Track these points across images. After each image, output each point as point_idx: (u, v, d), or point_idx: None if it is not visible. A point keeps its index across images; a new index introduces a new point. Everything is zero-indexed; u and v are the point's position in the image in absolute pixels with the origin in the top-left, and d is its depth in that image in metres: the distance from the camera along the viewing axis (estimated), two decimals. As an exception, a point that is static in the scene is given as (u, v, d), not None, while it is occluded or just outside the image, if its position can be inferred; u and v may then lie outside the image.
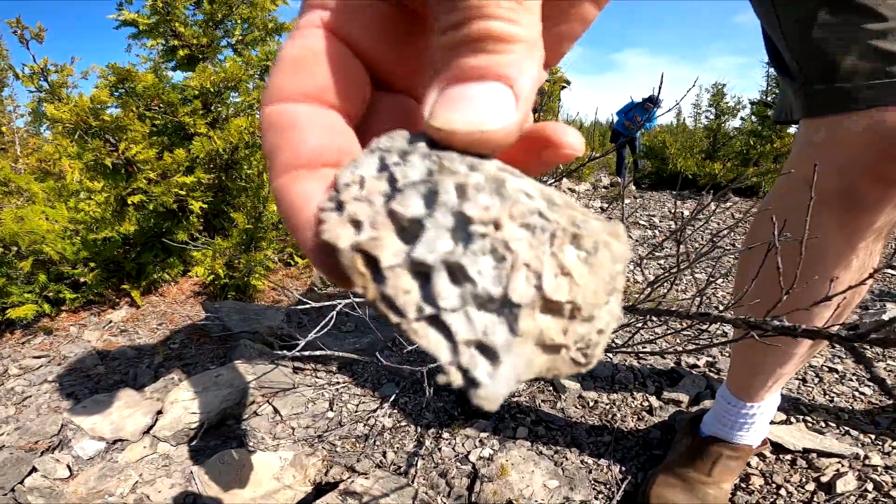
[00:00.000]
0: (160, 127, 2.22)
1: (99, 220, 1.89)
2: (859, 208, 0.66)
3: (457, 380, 0.13)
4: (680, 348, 1.10)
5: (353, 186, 0.15)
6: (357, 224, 0.14)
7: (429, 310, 0.13)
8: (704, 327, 1.62)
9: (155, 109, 2.09)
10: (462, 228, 0.13)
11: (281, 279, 2.40)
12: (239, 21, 2.64)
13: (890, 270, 2.67)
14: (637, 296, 0.82)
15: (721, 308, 1.88)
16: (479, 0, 0.15)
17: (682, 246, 0.79)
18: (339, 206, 0.15)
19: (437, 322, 0.13)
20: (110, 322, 2.03)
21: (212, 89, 2.29)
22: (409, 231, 0.14)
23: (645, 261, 2.68)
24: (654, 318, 1.34)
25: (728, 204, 4.79)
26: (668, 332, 0.95)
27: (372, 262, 0.14)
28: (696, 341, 1.29)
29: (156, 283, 2.28)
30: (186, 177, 1.99)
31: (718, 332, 1.64)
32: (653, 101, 6.46)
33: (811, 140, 0.72)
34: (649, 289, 0.71)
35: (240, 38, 2.72)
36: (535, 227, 0.14)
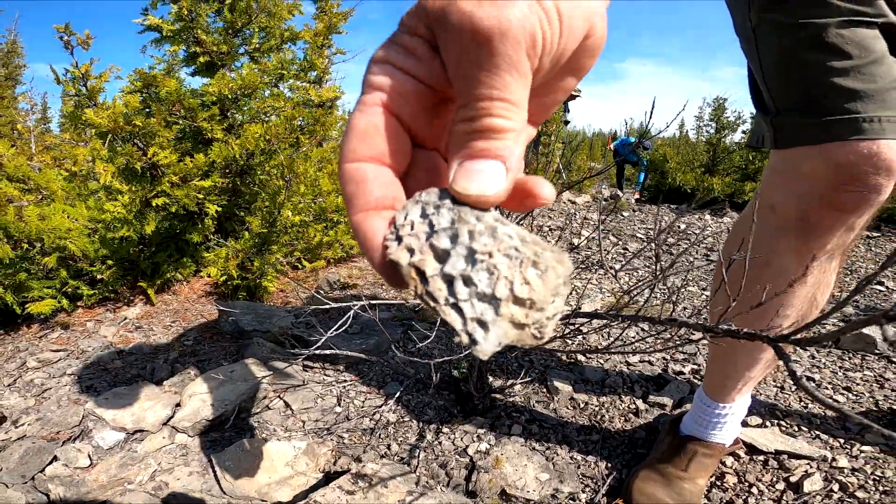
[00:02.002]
0: (178, 132, 2.32)
1: (121, 221, 1.99)
2: (814, 232, 0.75)
3: (465, 340, 0.22)
4: (651, 349, 1.18)
5: (407, 226, 0.24)
6: (411, 251, 0.24)
7: (451, 300, 0.23)
8: (693, 334, 1.71)
9: (176, 115, 2.19)
10: (471, 256, 0.23)
11: (290, 281, 2.49)
12: (257, 30, 2.75)
13: (878, 287, 2.76)
14: (623, 303, 0.91)
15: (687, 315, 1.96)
16: (486, 103, 0.23)
17: (661, 260, 0.88)
18: (399, 239, 0.24)
19: (455, 307, 0.23)
20: (125, 318, 2.12)
21: (229, 96, 2.40)
22: (441, 256, 0.24)
23: (631, 270, 2.77)
24: (638, 325, 1.42)
25: (725, 219, 4.88)
26: (649, 335, 1.03)
27: (420, 273, 0.24)
28: (668, 344, 1.38)
29: (169, 282, 2.37)
30: (204, 181, 2.08)
31: (705, 337, 1.73)
32: (644, 147, 7.12)
33: (777, 169, 0.80)
34: (627, 297, 0.80)
35: (257, 45, 2.82)
36: (512, 256, 0.23)
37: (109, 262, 2.14)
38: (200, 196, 2.07)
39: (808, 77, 0.71)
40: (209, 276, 2.31)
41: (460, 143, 0.25)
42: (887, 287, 2.70)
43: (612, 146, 8.90)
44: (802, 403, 1.36)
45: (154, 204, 1.94)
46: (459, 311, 0.22)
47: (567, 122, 8.21)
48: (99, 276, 2.13)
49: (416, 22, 0.25)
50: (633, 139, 8.07)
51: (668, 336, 1.21)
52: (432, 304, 0.23)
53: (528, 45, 0.22)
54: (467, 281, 0.23)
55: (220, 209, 2.21)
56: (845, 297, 0.36)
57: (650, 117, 1.16)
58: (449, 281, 0.23)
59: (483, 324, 0.22)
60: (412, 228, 0.24)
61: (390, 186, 0.26)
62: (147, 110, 2.12)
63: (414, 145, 0.28)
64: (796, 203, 0.75)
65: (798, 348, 1.74)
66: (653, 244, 0.78)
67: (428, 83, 0.25)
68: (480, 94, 0.23)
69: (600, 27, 0.25)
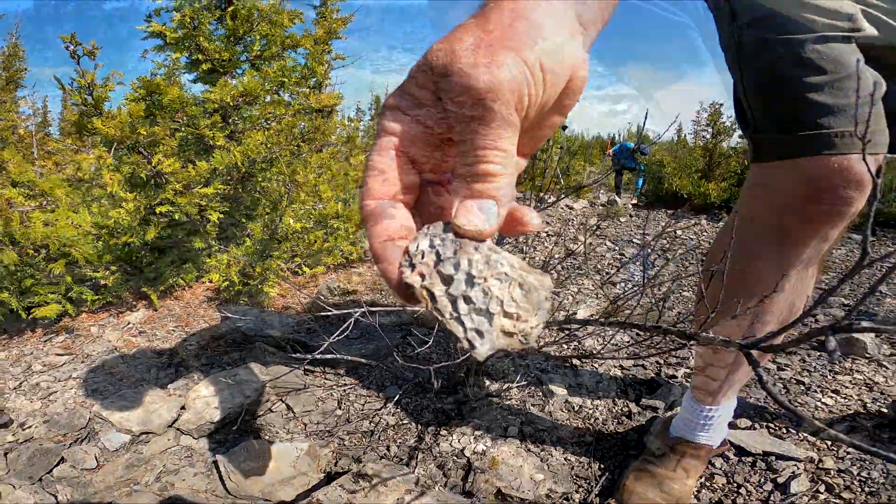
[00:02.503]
0: (181, 140, 2.36)
1: (126, 227, 2.02)
2: (790, 242, 0.78)
3: (465, 346, 0.28)
4: (645, 353, 1.22)
5: (418, 255, 0.30)
6: (422, 276, 0.29)
7: (455, 314, 0.28)
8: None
9: (179, 122, 2.23)
10: (470, 280, 0.29)
11: (291, 287, 2.52)
12: (258, 37, 2.79)
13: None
14: (612, 309, 0.95)
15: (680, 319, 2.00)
16: (482, 151, 0.28)
17: (652, 266, 0.92)
18: (412, 266, 0.30)
19: (458, 320, 0.28)
20: (129, 323, 2.15)
21: (231, 103, 2.44)
22: (447, 280, 0.29)
23: (629, 276, 2.81)
24: (631, 331, 1.46)
25: (721, 223, 4.93)
26: (642, 340, 1.07)
27: (430, 293, 0.29)
28: (660, 348, 1.43)
29: (172, 287, 2.40)
30: (207, 188, 2.12)
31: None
32: (642, 152, 7.33)
33: (756, 182, 0.84)
34: (615, 304, 0.84)
35: (258, 53, 2.86)
36: (502, 279, 0.29)
37: (113, 267, 2.18)
38: (203, 203, 2.11)
39: (785, 92, 0.73)
40: (211, 281, 2.35)
41: (460, 184, 0.30)
42: (880, 291, 2.74)
43: (610, 152, 8.99)
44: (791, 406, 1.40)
45: (158, 211, 1.98)
46: (461, 323, 0.28)
47: (565, 127, 8.29)
48: (103, 282, 2.16)
49: (422, 75, 0.29)
50: (631, 144, 8.19)
51: (659, 341, 1.26)
52: (440, 317, 0.28)
53: (517, 102, 0.27)
54: (467, 299, 0.28)
55: (221, 216, 2.24)
56: (807, 310, 0.39)
57: (644, 125, 1.20)
58: (453, 300, 0.28)
59: (480, 333, 0.28)
60: (423, 257, 0.29)
61: (403, 219, 0.31)
62: (150, 118, 2.15)
63: (421, 178, 0.33)
64: (773, 215, 0.79)
65: (789, 353, 1.78)
66: (646, 250, 0.82)
67: (433, 127, 0.30)
68: (477, 144, 0.28)
69: (581, 72, 0.30)
